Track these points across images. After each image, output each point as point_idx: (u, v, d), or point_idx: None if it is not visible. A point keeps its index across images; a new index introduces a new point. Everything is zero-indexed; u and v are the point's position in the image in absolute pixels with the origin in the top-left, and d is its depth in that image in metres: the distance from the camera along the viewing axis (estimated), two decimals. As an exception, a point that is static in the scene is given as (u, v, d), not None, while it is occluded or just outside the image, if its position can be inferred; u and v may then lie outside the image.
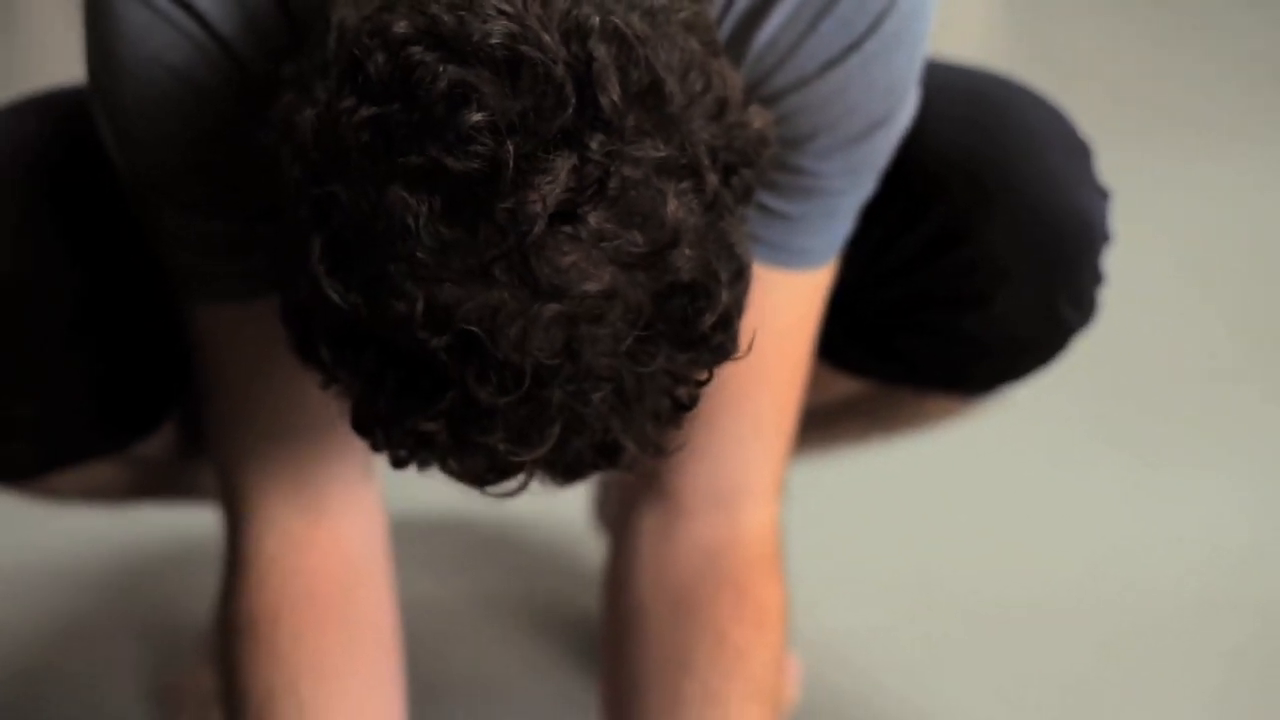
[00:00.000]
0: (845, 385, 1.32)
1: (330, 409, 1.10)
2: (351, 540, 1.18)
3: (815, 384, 1.26)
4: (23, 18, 3.63)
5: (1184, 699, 1.52)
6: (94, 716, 1.51)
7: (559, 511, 1.72)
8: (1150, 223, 2.26)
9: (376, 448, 0.94)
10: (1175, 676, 1.55)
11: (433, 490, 1.58)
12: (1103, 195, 1.21)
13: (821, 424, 1.37)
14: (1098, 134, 1.25)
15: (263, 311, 1.08)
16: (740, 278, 0.92)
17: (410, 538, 1.48)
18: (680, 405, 0.93)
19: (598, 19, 0.86)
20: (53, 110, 1.19)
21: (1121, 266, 1.27)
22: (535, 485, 0.96)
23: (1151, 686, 1.54)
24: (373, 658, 1.17)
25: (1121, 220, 1.23)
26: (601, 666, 1.23)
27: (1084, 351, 1.32)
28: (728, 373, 1.11)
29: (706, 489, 1.19)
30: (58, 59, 1.81)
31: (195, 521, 1.65)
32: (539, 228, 0.83)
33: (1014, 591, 1.68)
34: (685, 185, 0.88)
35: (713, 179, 0.90)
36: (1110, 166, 1.23)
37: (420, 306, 0.85)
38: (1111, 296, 1.25)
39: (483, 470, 0.92)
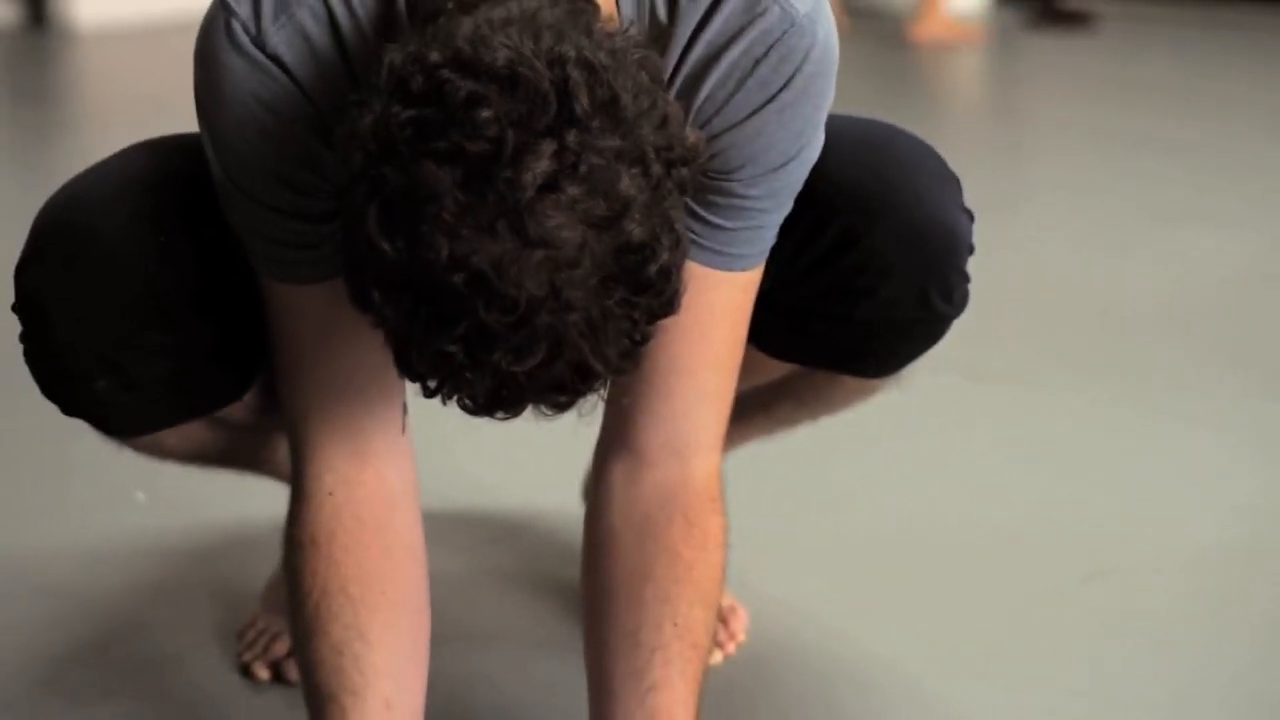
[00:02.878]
0: (776, 368, 1.65)
1: (376, 373, 1.45)
2: (391, 480, 1.49)
3: (752, 368, 1.58)
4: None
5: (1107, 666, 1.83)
6: (180, 658, 1.83)
7: (553, 510, 2.08)
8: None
9: (412, 374, 1.24)
10: (1104, 639, 1.85)
11: (455, 489, 1.95)
12: (968, 215, 1.54)
13: (760, 407, 1.70)
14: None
15: (325, 292, 1.41)
16: (678, 245, 1.23)
17: (439, 526, 1.80)
18: (636, 341, 1.24)
19: (573, 51, 1.19)
20: (164, 146, 1.53)
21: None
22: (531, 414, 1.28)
23: (1079, 646, 1.84)
24: (406, 568, 1.48)
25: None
26: (582, 578, 1.53)
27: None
28: (678, 349, 1.46)
29: (664, 443, 1.50)
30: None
31: (256, 510, 2.04)
32: (530, 195, 1.15)
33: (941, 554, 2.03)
34: (636, 171, 1.19)
35: (657, 169, 1.21)
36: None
37: (445, 253, 1.15)
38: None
39: (492, 390, 1.21)
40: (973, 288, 1.56)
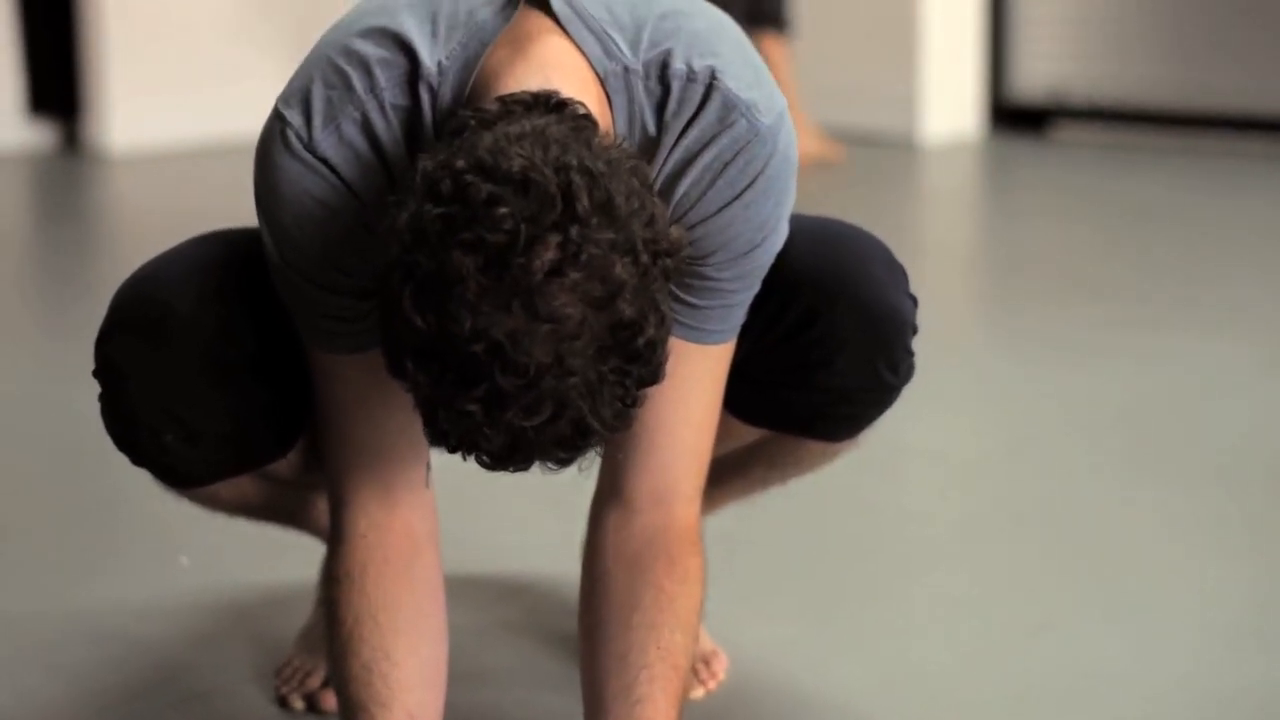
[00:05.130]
0: (749, 433, 1.88)
1: (405, 434, 1.69)
2: (416, 526, 1.72)
3: (728, 433, 1.82)
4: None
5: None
6: (222, 693, 2.05)
7: (553, 573, 2.32)
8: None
9: (438, 431, 1.44)
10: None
11: (473, 555, 2.22)
12: (912, 300, 1.78)
13: (737, 470, 1.94)
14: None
15: (363, 362, 1.64)
16: (663, 323, 1.44)
17: (459, 584, 2.06)
18: (627, 404, 1.45)
19: (576, 160, 1.41)
20: (226, 236, 1.77)
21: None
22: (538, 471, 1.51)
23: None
24: (427, 600, 1.71)
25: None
26: (579, 608, 1.75)
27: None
28: (662, 411, 1.70)
29: (650, 493, 1.73)
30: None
31: (287, 572, 2.30)
32: (539, 278, 1.37)
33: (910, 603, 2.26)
34: (627, 260, 1.41)
35: (645, 259, 1.43)
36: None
37: (468, 327, 1.37)
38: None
39: (505, 444, 1.41)
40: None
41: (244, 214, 1.76)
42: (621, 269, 1.41)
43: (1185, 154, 6.53)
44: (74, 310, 4.11)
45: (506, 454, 1.44)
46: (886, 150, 6.75)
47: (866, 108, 7.01)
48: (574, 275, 1.39)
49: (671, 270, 1.48)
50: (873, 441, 1.93)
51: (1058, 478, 2.88)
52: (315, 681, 2.01)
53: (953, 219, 5.95)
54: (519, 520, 2.61)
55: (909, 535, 2.63)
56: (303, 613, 2.15)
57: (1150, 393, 3.35)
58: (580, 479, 1.71)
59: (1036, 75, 7.17)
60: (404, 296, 1.41)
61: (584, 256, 1.39)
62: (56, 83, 7.19)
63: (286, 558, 2.31)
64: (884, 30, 6.97)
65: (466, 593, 2.25)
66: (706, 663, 2.04)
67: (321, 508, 1.94)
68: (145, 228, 5.49)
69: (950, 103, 7.00)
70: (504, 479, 2.48)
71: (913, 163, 6.63)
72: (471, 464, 1.46)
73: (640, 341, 1.43)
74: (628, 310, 1.41)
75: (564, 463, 1.48)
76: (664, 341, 1.46)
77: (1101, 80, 6.99)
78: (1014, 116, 7.18)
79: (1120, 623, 2.23)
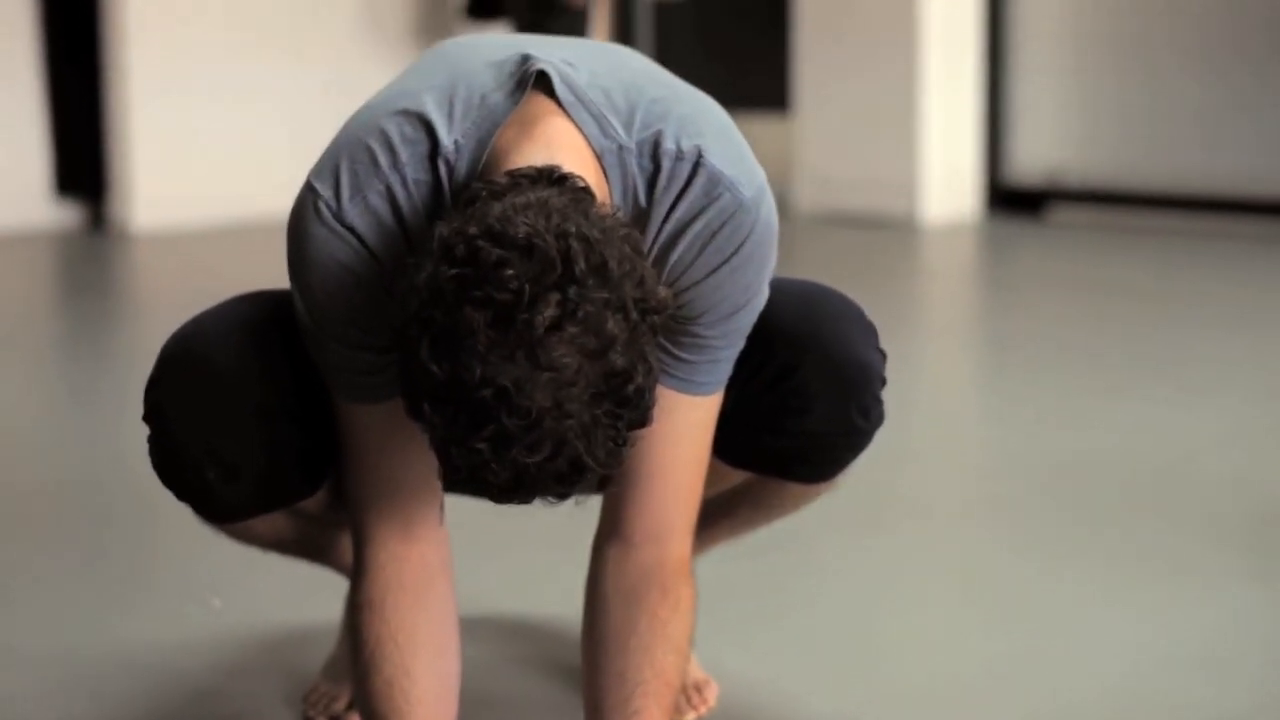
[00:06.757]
0: (735, 476, 2.05)
1: (421, 475, 1.86)
2: (431, 558, 1.88)
3: (717, 476, 1.99)
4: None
5: None
6: (253, 715, 2.23)
7: (558, 614, 2.50)
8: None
9: (450, 467, 1.59)
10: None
11: (486, 597, 2.41)
12: (881, 354, 1.96)
13: (724, 511, 2.11)
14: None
15: (383, 410, 1.81)
16: (651, 372, 1.60)
17: (473, 623, 2.24)
18: (619, 444, 1.61)
19: (574, 228, 1.57)
20: (263, 297, 1.95)
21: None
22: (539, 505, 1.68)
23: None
24: (441, 625, 1.87)
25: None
26: (582, 635, 1.92)
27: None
28: (657, 456, 1.86)
29: (646, 530, 1.89)
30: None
31: (311, 611, 2.48)
32: (541, 332, 1.53)
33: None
34: (619, 316, 1.57)
35: (635, 315, 1.59)
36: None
37: (478, 374, 1.53)
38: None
39: (510, 479, 1.57)
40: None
41: (257, 287, 1.93)
42: (614, 324, 1.57)
43: (1173, 235, 6.75)
44: (99, 376, 4.33)
45: (511, 488, 1.59)
46: (890, 232, 6.96)
47: (870, 192, 7.22)
48: (572, 329, 1.55)
49: (659, 326, 1.64)
50: (868, 495, 2.09)
51: (1041, 529, 3.05)
52: (340, 705, 2.18)
53: (952, 295, 6.14)
54: (530, 565, 2.80)
55: (894, 579, 2.80)
56: (327, 646, 2.33)
57: (1135, 453, 3.53)
58: (585, 532, 1.94)
59: (1033, 160, 7.39)
60: (422, 347, 1.57)
61: (581, 313, 1.55)
62: (83, 165, 7.41)
63: (311, 598, 2.50)
64: (886, 118, 7.19)
65: (481, 630, 2.42)
66: (699, 689, 2.21)
67: (345, 545, 2.11)
68: (165, 302, 5.69)
69: (950, 186, 7.23)
70: (517, 530, 2.73)
71: (914, 243, 6.84)
72: (489, 515, 1.59)
73: (630, 388, 1.59)
74: (619, 361, 1.57)
75: (562, 496, 1.63)
76: (652, 389, 1.62)
77: (1095, 165, 7.21)
78: (1011, 199, 7.40)
79: (1104, 678, 2.38)
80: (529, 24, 7.28)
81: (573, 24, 7.29)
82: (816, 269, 2.12)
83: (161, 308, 5.51)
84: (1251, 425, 3.78)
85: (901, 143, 7.14)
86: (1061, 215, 7.22)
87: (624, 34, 8.76)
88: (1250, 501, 3.15)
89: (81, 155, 7.41)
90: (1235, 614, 2.59)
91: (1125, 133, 7.13)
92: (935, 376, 4.46)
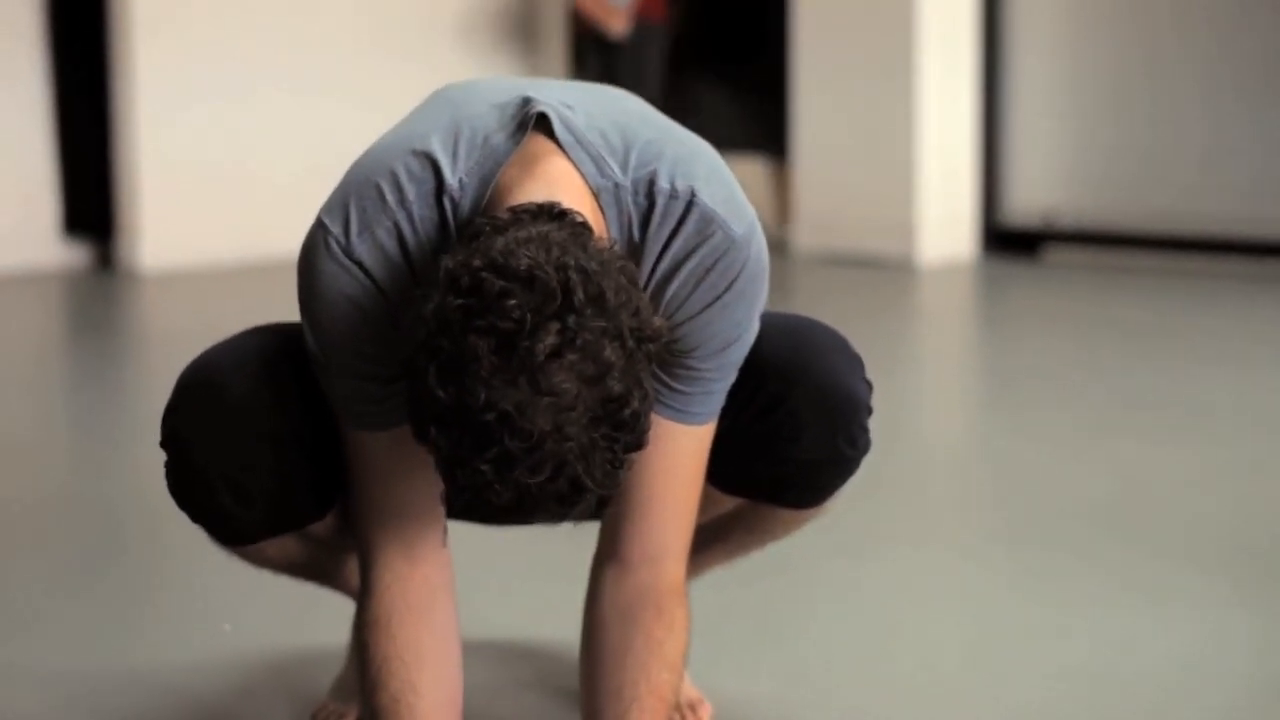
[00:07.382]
0: (728, 502, 2.12)
1: (425, 499, 1.93)
2: (434, 579, 1.96)
3: (710, 502, 2.06)
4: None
5: None
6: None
7: (557, 639, 2.57)
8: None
9: (456, 488, 1.66)
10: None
11: (489, 623, 2.49)
12: (867, 384, 2.03)
13: (718, 536, 2.18)
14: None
15: (389, 437, 1.89)
16: (646, 398, 1.68)
17: (476, 646, 2.31)
18: (615, 466, 1.68)
19: (573, 261, 1.65)
20: (275, 329, 2.02)
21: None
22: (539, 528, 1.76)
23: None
24: (444, 643, 1.94)
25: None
26: (580, 654, 2.00)
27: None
28: (652, 483, 1.94)
29: (642, 553, 1.97)
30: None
31: (318, 635, 2.55)
32: (541, 359, 1.61)
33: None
34: (616, 344, 1.65)
35: (631, 343, 1.67)
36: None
37: (482, 399, 1.61)
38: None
39: (512, 499, 1.64)
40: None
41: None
42: (611, 352, 1.65)
43: (1167, 274, 6.83)
44: (109, 409, 4.41)
45: (513, 507, 1.66)
46: (887, 273, 7.04)
47: (868, 234, 7.31)
48: (571, 357, 1.63)
49: (654, 354, 1.72)
50: (864, 525, 2.15)
51: (1032, 559, 3.12)
52: (347, 722, 2.26)
53: (948, 334, 6.22)
54: (529, 596, 2.87)
55: (888, 606, 2.87)
56: (335, 667, 2.40)
57: (1127, 488, 3.60)
58: (583, 557, 2.01)
59: (1029, 201, 7.47)
60: (429, 373, 1.64)
61: (579, 341, 1.63)
62: (92, 205, 7.50)
63: (318, 623, 2.57)
64: (883, 161, 7.27)
65: (484, 654, 2.50)
66: (693, 708, 2.28)
67: (352, 568, 2.19)
68: (172, 340, 5.73)
69: (946, 228, 7.30)
70: (520, 558, 2.79)
71: (911, 284, 6.91)
72: (493, 542, 1.63)
73: (627, 412, 1.67)
74: (616, 386, 1.65)
75: (561, 517, 1.71)
76: (647, 413, 1.69)
77: (1090, 206, 7.30)
78: (1007, 240, 7.48)
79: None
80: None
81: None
82: (815, 308, 2.19)
83: (168, 345, 5.57)
84: (1240, 462, 3.85)
85: (899, 185, 7.23)
86: (1057, 256, 7.31)
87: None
88: (1237, 534, 3.22)
89: (90, 195, 7.50)
90: (1217, 633, 2.66)
91: (1119, 175, 7.21)
92: (932, 412, 4.54)
